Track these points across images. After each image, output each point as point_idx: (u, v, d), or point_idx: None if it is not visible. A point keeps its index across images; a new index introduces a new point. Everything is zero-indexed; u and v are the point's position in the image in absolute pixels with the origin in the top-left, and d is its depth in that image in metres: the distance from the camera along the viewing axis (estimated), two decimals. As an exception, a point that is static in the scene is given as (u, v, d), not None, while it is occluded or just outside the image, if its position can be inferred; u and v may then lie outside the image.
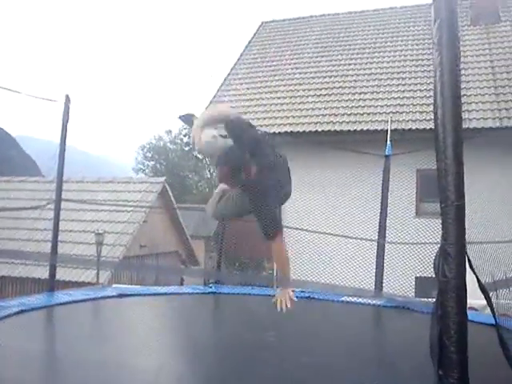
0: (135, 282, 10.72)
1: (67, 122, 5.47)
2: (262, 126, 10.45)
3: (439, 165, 1.68)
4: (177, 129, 24.40)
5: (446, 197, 1.64)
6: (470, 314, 1.73)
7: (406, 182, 8.76)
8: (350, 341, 3.71)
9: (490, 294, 1.76)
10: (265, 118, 11.05)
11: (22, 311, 4.10)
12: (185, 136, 12.01)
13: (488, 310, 1.83)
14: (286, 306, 2.74)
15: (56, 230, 5.34)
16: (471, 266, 1.73)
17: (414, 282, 8.16)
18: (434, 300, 1.63)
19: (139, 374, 2.73)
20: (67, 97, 5.51)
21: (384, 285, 6.17)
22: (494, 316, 1.70)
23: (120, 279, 10.79)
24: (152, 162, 24.21)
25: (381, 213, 6.30)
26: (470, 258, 1.70)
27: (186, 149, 22.34)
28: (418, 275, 7.40)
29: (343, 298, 5.34)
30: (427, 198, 9.56)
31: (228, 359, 2.99)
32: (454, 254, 1.60)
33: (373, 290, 5.79)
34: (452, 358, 1.55)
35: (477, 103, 9.49)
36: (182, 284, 4.06)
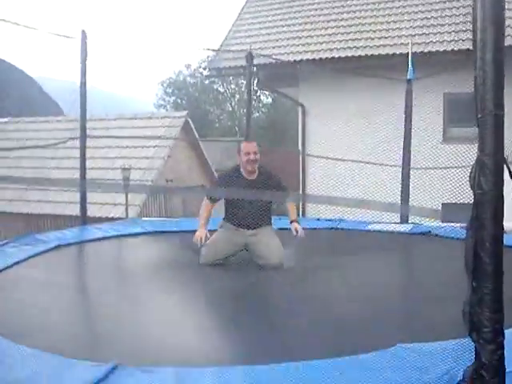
0: (164, 216, 10.96)
1: (86, 57, 5.40)
2: (282, 54, 10.16)
3: (477, 73, 1.58)
4: (196, 62, 24.01)
5: (484, 106, 1.56)
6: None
7: (432, 107, 8.50)
8: (387, 268, 3.74)
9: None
10: (286, 46, 10.69)
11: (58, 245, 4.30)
12: (204, 69, 11.73)
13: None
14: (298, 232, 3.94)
15: (83, 160, 5.46)
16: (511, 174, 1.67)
17: (440, 209, 8.10)
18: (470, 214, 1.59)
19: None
20: (84, 32, 5.41)
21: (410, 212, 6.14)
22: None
23: (149, 214, 11.03)
24: (173, 98, 24.02)
25: (404, 138, 6.18)
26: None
27: (206, 82, 22.02)
28: (444, 201, 7.34)
29: (370, 227, 5.35)
30: (455, 123, 9.26)
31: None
32: (491, 165, 1.54)
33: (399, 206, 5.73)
34: (486, 270, 1.53)
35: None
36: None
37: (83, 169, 5.46)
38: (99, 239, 4.75)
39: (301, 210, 9.54)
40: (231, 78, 17.89)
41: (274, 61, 9.46)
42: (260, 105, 23.48)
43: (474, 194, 1.59)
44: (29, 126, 14.41)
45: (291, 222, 4.01)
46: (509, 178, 1.61)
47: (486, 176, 1.55)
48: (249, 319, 2.59)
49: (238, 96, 21.72)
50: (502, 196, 1.56)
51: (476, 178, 1.58)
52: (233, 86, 22.29)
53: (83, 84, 5.38)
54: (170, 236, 5.20)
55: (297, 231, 3.93)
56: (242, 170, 3.95)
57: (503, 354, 1.51)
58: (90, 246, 4.61)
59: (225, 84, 21.97)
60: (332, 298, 3.06)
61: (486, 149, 1.56)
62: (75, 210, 6.37)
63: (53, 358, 2.00)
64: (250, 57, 6.89)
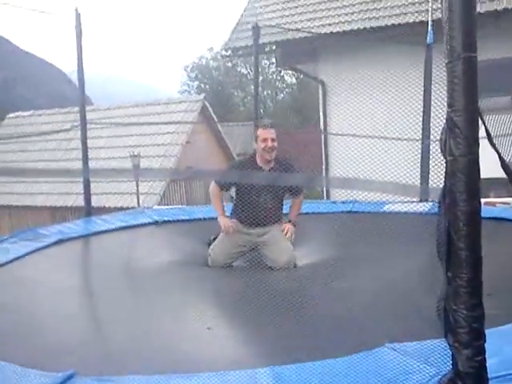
0: (185, 202, 10.81)
1: (81, 38, 5.23)
2: (300, 29, 9.74)
3: (443, 6, 1.26)
4: (218, 45, 23.58)
5: (452, 48, 1.23)
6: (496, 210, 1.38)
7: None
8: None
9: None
10: (303, 21, 10.27)
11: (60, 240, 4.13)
12: (226, 51, 11.55)
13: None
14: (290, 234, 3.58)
15: (85, 149, 5.32)
16: (491, 140, 1.34)
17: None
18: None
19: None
20: (77, 12, 5.24)
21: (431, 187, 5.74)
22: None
23: (171, 201, 10.88)
24: (196, 82, 23.76)
25: (424, 110, 5.75)
26: (489, 128, 1.31)
27: (229, 64, 21.64)
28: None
29: (386, 208, 4.97)
30: (487, 93, 8.67)
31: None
32: (462, 124, 1.22)
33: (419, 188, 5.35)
34: (461, 257, 1.22)
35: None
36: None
37: (85, 158, 5.29)
38: (99, 232, 4.57)
39: (325, 192, 9.22)
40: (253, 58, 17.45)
41: (291, 37, 9.09)
42: (284, 85, 22.99)
43: (446, 162, 1.27)
44: (51, 118, 14.45)
45: (289, 221, 3.67)
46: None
47: (457, 138, 1.22)
48: (234, 321, 2.35)
49: (261, 77, 21.28)
50: (478, 163, 1.23)
51: (446, 141, 1.26)
52: (256, 67, 21.70)
53: (80, 68, 5.21)
54: (179, 226, 4.99)
55: (286, 233, 3.58)
56: (257, 158, 3.60)
57: (484, 360, 1.20)
58: (91, 240, 4.45)
59: (247, 66, 21.48)
60: (336, 293, 2.74)
61: (455, 103, 1.23)
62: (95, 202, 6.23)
63: (4, 367, 1.83)
64: (256, 30, 6.57)
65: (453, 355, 1.24)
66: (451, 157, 1.24)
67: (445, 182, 1.27)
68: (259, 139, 3.53)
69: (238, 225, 3.57)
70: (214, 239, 3.66)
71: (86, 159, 5.36)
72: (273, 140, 3.49)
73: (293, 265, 3.41)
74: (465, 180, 1.21)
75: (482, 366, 1.19)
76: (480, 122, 1.27)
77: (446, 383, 1.25)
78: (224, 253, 3.51)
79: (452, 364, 1.25)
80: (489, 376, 1.32)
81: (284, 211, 3.74)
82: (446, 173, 1.27)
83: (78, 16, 5.17)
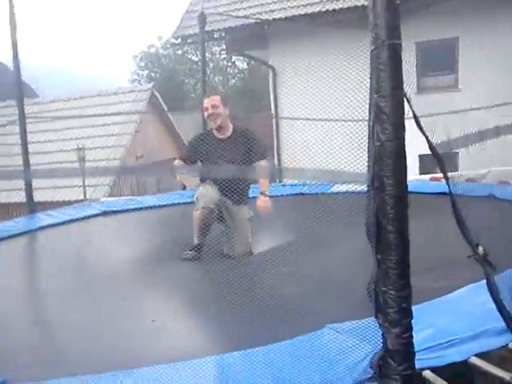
0: (137, 194, 10.62)
1: (15, 24, 5.01)
2: (249, 15, 9.68)
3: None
4: (168, 33, 23.09)
5: (376, 36, 1.25)
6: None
7: (403, 56, 8.14)
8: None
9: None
10: (250, 7, 10.22)
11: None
12: (176, 39, 11.31)
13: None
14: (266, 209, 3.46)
15: (25, 145, 5.13)
16: (418, 124, 1.38)
17: (417, 161, 7.85)
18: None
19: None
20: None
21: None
22: (448, 182, 1.38)
23: (121, 192, 10.66)
24: (146, 71, 23.28)
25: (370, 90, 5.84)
26: (416, 112, 1.34)
27: (179, 52, 21.29)
28: (421, 153, 7.07)
29: (333, 189, 5.05)
30: (430, 73, 8.93)
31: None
32: (389, 109, 1.25)
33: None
34: (389, 239, 1.25)
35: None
36: (184, 189, 3.78)
37: (25, 154, 5.07)
38: (43, 228, 4.43)
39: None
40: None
41: (240, 23, 9.05)
42: (236, 71, 22.86)
43: (373, 147, 1.29)
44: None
45: (260, 193, 3.53)
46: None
47: (383, 123, 1.25)
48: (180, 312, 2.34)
49: (212, 64, 21.08)
50: (404, 147, 1.27)
51: (373, 127, 1.28)
52: (206, 54, 21.42)
53: (16, 59, 4.99)
54: (129, 215, 4.92)
55: (260, 207, 3.46)
56: (213, 130, 3.56)
57: (410, 336, 1.24)
58: (32, 236, 4.30)
59: (198, 53, 21.20)
60: (280, 278, 2.75)
61: (381, 90, 1.26)
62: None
63: None
64: (202, 18, 6.50)
65: (383, 334, 1.28)
66: (378, 142, 1.27)
67: (373, 166, 1.30)
68: (203, 109, 3.56)
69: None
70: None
71: (26, 156, 5.12)
72: (214, 107, 3.43)
73: (248, 252, 3.40)
74: (392, 165, 1.24)
75: (409, 343, 1.24)
76: (407, 104, 1.30)
77: (376, 361, 1.29)
78: (209, 196, 3.30)
79: (382, 342, 1.29)
80: (423, 347, 1.38)
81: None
82: (373, 156, 1.29)
83: (11, 4, 4.95)
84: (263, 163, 3.53)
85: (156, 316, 2.24)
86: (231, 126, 3.56)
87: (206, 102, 3.50)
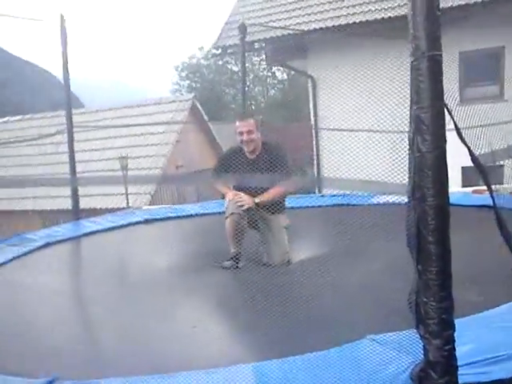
0: (177, 202, 10.79)
1: (66, 43, 5.25)
2: (289, 25, 9.74)
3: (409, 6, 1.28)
4: (209, 44, 23.51)
5: (416, 47, 1.26)
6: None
7: (445, 66, 7.99)
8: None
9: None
10: (291, 17, 10.28)
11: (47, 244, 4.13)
12: (217, 49, 11.52)
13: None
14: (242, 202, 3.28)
15: (72, 153, 5.31)
16: (460, 135, 1.37)
17: (460, 173, 7.68)
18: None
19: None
20: (62, 17, 5.25)
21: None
22: (492, 195, 1.36)
23: (162, 200, 10.86)
24: (187, 81, 23.71)
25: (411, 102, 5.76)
26: (457, 122, 1.34)
27: (220, 63, 21.59)
28: (464, 165, 6.90)
29: (374, 200, 4.98)
30: (473, 83, 8.72)
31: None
32: (429, 120, 1.25)
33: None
34: (430, 250, 1.25)
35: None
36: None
37: (73, 162, 5.27)
38: (88, 234, 4.58)
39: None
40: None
41: (280, 34, 9.12)
42: (275, 81, 22.98)
43: (414, 158, 1.30)
44: (31, 123, 14.39)
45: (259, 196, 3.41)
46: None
47: (423, 134, 1.25)
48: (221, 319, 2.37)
49: (252, 74, 21.29)
50: (445, 158, 1.26)
51: (413, 138, 1.29)
52: (247, 65, 21.59)
53: (66, 71, 5.22)
54: (169, 222, 5.02)
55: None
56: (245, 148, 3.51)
57: (452, 349, 1.23)
58: (79, 242, 4.46)
59: (238, 63, 21.40)
60: (321, 288, 2.75)
61: (421, 101, 1.26)
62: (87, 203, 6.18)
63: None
64: (243, 29, 6.58)
65: (424, 346, 1.27)
66: (418, 153, 1.27)
67: (413, 177, 1.30)
68: (236, 132, 3.45)
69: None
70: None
71: (73, 164, 5.33)
72: (249, 132, 3.38)
73: (287, 262, 3.39)
74: (432, 176, 1.24)
75: (450, 355, 1.23)
76: (448, 115, 1.30)
77: (417, 372, 1.28)
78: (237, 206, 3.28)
79: (424, 354, 1.28)
80: (465, 362, 1.36)
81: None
82: (414, 167, 1.29)
83: (62, 21, 5.18)
84: (285, 184, 3.43)
85: (197, 323, 2.29)
86: (260, 144, 3.49)
87: (242, 126, 3.40)
